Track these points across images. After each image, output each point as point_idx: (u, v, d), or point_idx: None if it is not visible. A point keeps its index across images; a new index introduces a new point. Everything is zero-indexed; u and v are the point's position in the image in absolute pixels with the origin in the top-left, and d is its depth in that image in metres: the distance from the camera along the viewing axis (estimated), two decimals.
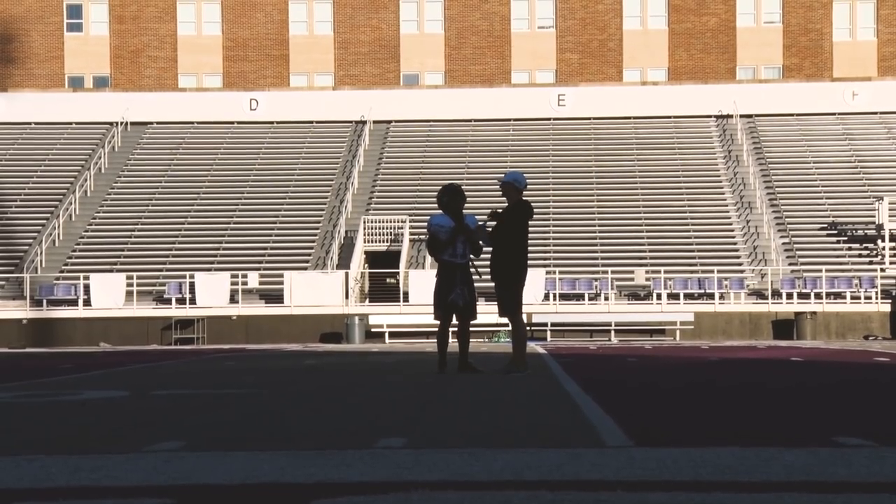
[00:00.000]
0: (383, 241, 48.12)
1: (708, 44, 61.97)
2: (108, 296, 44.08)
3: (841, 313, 43.71)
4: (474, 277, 15.05)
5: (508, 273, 14.80)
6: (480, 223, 15.02)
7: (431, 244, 14.98)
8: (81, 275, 44.90)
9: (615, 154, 54.38)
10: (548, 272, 44.09)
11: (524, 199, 15.11)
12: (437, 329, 15.33)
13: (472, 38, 62.42)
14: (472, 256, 14.93)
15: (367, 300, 45.67)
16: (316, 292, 43.70)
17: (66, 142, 56.52)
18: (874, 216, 47.50)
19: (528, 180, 15.51)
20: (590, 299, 44.38)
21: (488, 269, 14.96)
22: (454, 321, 15.08)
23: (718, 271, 44.66)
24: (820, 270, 44.61)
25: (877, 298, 43.77)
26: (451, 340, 16.61)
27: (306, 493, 5.11)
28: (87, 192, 52.14)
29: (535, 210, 15.43)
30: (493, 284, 14.90)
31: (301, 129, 57.06)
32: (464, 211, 15.02)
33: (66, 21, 62.80)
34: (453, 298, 14.80)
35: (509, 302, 14.87)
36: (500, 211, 14.96)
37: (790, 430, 7.50)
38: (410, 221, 47.87)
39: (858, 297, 44.14)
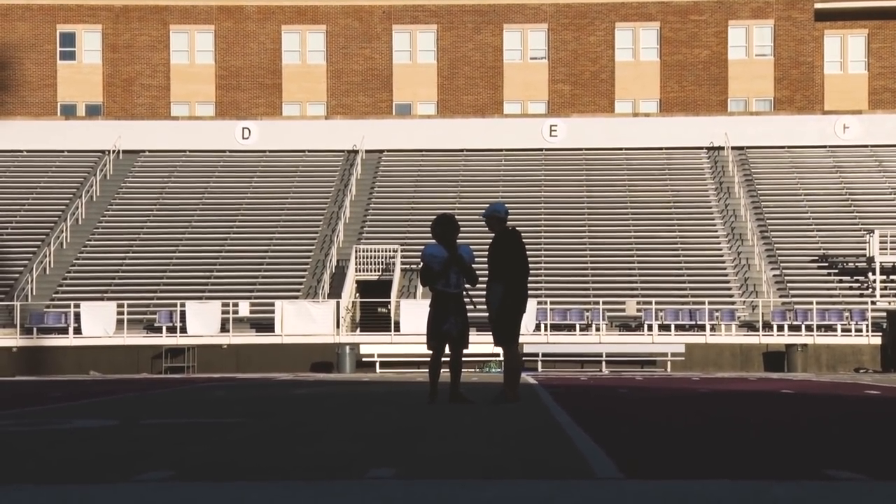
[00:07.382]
0: (375, 271, 48.08)
1: (699, 76, 62.15)
2: (99, 324, 43.99)
3: (832, 346, 43.72)
4: (468, 307, 15.00)
5: (505, 303, 14.69)
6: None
7: (425, 274, 14.88)
8: (72, 303, 44.82)
9: (607, 185, 54.45)
10: (539, 302, 44.07)
11: (509, 227, 15.05)
12: (428, 359, 15.26)
13: (465, 68, 62.56)
14: (467, 286, 14.85)
15: (359, 329, 45.63)
16: (307, 321, 43.62)
17: (57, 170, 56.48)
18: (865, 249, 47.56)
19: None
20: (581, 329, 44.36)
21: (483, 299, 14.90)
22: (446, 351, 15.01)
23: (709, 303, 44.66)
24: (811, 303, 44.63)
25: (868, 331, 43.79)
26: (442, 370, 16.58)
27: None
28: (78, 221, 52.09)
29: (525, 239, 15.36)
30: (486, 314, 14.83)
31: (293, 158, 57.07)
32: (458, 241, 14.95)
33: (59, 49, 62.85)
34: (447, 328, 14.73)
35: (505, 332, 14.78)
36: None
37: (781, 463, 7.48)
38: (402, 251, 47.84)
39: (849, 330, 44.15)
